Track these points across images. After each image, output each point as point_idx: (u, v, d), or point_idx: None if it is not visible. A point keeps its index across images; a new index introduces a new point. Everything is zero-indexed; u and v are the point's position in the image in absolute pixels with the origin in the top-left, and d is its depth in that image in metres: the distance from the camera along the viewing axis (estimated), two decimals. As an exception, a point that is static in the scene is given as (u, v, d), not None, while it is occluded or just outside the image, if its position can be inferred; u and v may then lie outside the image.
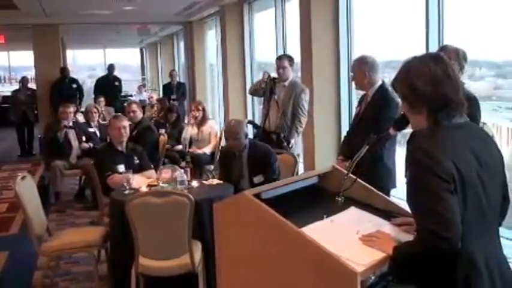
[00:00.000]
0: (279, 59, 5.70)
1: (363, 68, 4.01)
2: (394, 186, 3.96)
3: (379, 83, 4.05)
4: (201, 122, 7.47)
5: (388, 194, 3.87)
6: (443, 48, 3.42)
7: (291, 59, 5.72)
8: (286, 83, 5.60)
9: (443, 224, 1.74)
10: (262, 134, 5.59)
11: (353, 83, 4.39)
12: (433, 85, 1.87)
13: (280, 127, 5.56)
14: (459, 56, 3.26)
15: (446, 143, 1.85)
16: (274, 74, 5.78)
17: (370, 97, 4.07)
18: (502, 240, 2.06)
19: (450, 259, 1.80)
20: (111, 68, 13.09)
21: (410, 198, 1.88)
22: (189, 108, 7.98)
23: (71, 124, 7.36)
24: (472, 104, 3.13)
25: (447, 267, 1.83)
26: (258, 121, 6.52)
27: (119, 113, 6.82)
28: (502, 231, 2.13)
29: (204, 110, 7.51)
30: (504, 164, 2.02)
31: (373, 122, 3.76)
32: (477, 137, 1.98)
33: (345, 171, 2.41)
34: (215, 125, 7.73)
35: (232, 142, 4.46)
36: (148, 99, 11.70)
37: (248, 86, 9.69)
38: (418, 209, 1.86)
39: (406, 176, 1.91)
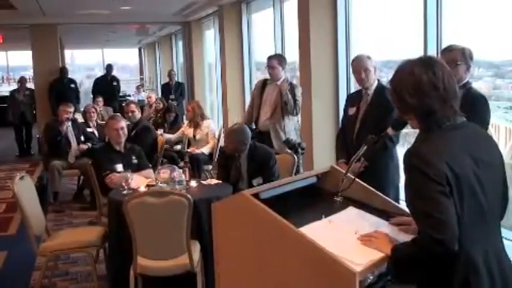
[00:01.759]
0: (269, 58, 5.73)
1: (372, 64, 4.04)
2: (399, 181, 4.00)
3: (376, 81, 4.09)
4: (198, 122, 7.46)
5: (397, 189, 3.91)
6: (448, 48, 3.37)
7: (280, 59, 5.73)
8: (279, 83, 5.63)
9: (437, 227, 1.75)
10: (256, 135, 5.60)
11: (357, 82, 4.32)
12: (417, 96, 1.88)
13: (269, 126, 5.60)
14: (465, 56, 3.21)
15: (441, 145, 1.86)
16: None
17: (370, 96, 4.06)
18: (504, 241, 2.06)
19: (448, 260, 1.81)
20: (109, 68, 13.07)
21: (408, 201, 1.90)
22: (186, 108, 7.99)
23: (70, 122, 7.38)
24: (481, 104, 3.09)
25: (445, 267, 1.83)
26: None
27: (117, 113, 6.80)
28: (505, 232, 2.12)
29: (197, 109, 7.50)
30: (504, 163, 2.02)
31: (381, 120, 3.72)
32: (475, 137, 1.98)
33: (349, 173, 2.42)
34: (212, 125, 7.73)
35: (233, 146, 4.44)
36: (147, 99, 11.69)
37: (247, 85, 9.74)
38: (415, 211, 1.88)
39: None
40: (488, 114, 3.15)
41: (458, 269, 1.83)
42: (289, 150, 4.73)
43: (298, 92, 5.59)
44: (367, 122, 4.00)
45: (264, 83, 5.79)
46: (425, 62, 1.93)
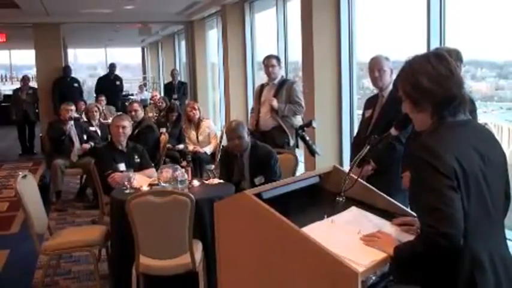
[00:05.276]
0: (268, 58, 5.86)
1: (390, 65, 3.98)
2: None
3: (392, 84, 4.01)
4: (198, 123, 7.46)
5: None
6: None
7: (278, 59, 5.94)
8: (276, 82, 5.76)
9: (444, 220, 1.74)
10: (257, 135, 5.61)
11: (371, 81, 4.24)
12: (437, 82, 1.88)
13: (274, 124, 5.67)
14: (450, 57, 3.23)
15: (449, 139, 1.85)
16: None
17: (385, 98, 3.98)
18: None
19: (453, 256, 1.79)
20: (112, 67, 13.09)
21: (412, 196, 1.89)
22: (184, 109, 7.98)
23: (73, 121, 7.40)
24: (475, 108, 3.13)
25: (449, 265, 1.82)
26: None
27: (123, 113, 6.83)
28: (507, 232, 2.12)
29: (198, 110, 7.49)
30: (507, 162, 2.02)
31: (393, 121, 3.69)
32: (481, 135, 1.98)
33: (355, 176, 2.41)
34: (212, 125, 7.73)
35: (234, 143, 4.45)
36: (151, 98, 11.70)
37: (249, 85, 9.74)
38: (419, 205, 1.86)
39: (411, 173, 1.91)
40: (476, 116, 3.19)
41: (463, 265, 1.82)
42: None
43: (298, 87, 5.75)
44: (379, 123, 3.93)
45: (261, 88, 5.94)
46: (437, 53, 1.97)
